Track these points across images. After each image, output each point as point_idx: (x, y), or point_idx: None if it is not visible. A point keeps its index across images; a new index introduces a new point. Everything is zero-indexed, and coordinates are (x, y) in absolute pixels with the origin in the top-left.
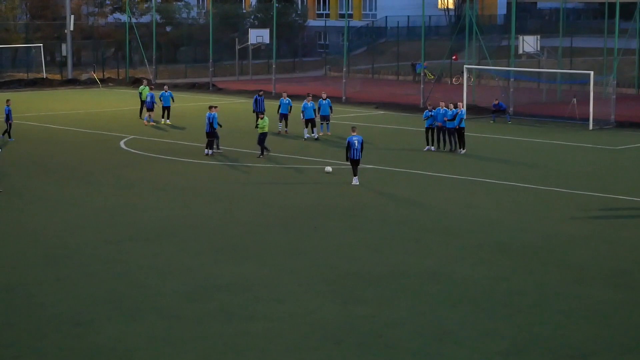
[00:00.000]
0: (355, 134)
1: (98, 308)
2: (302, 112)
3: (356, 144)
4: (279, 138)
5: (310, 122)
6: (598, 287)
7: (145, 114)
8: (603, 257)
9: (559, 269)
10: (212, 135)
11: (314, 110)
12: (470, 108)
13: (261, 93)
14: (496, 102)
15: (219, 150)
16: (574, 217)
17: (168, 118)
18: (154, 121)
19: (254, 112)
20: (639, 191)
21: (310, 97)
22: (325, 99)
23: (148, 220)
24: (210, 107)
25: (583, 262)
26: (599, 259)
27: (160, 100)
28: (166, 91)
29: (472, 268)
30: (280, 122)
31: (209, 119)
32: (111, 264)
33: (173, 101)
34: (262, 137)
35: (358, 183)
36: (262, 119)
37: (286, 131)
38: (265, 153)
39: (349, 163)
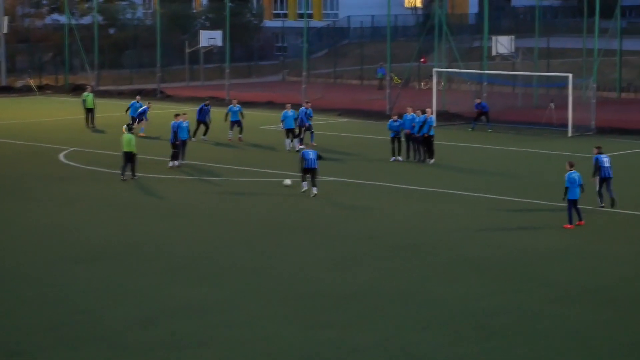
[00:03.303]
0: (307, 148)
1: (36, 337)
2: (282, 121)
3: (310, 155)
4: (234, 149)
5: (290, 132)
6: (579, 305)
7: (141, 126)
8: (583, 273)
9: (537, 287)
10: (177, 146)
11: (295, 119)
12: (441, 114)
13: (207, 102)
14: (478, 101)
15: (182, 163)
16: (552, 230)
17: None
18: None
19: (197, 121)
20: (620, 202)
21: (289, 106)
22: (308, 107)
23: (92, 239)
24: (176, 115)
25: (562, 279)
26: (579, 275)
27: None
28: (138, 101)
29: (443, 287)
30: (231, 130)
31: (173, 127)
32: (51, 287)
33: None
34: (128, 156)
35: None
36: (132, 133)
37: (240, 138)
38: (124, 177)
39: (304, 175)
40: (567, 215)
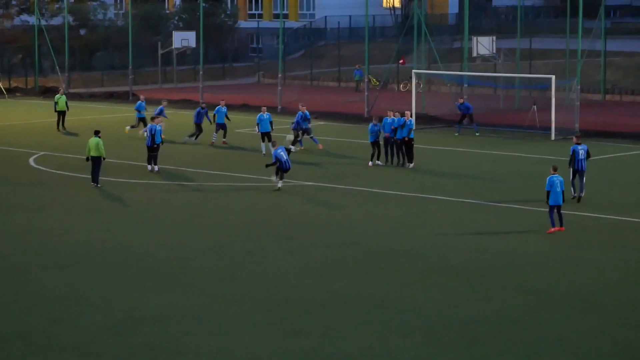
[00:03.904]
0: (277, 147)
1: (7, 345)
2: (257, 124)
3: (284, 157)
4: (210, 152)
5: (266, 136)
6: (564, 312)
7: (144, 128)
8: (568, 279)
9: (521, 294)
10: (154, 149)
11: (270, 122)
12: (420, 117)
13: (204, 105)
14: (460, 101)
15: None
16: (536, 236)
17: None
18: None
19: (196, 124)
20: (605, 207)
21: (265, 109)
22: (304, 111)
23: (63, 245)
24: (153, 119)
25: (546, 286)
26: (564, 281)
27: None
28: (142, 101)
29: (424, 294)
30: (216, 132)
31: (150, 131)
32: (21, 295)
33: (146, 111)
34: (96, 163)
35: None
36: (99, 136)
37: (224, 142)
38: (95, 184)
39: (276, 172)
40: (550, 220)
